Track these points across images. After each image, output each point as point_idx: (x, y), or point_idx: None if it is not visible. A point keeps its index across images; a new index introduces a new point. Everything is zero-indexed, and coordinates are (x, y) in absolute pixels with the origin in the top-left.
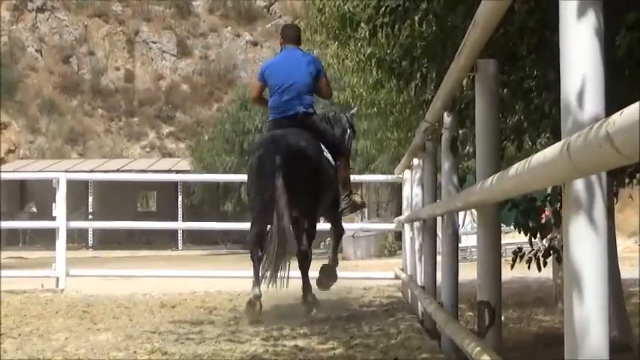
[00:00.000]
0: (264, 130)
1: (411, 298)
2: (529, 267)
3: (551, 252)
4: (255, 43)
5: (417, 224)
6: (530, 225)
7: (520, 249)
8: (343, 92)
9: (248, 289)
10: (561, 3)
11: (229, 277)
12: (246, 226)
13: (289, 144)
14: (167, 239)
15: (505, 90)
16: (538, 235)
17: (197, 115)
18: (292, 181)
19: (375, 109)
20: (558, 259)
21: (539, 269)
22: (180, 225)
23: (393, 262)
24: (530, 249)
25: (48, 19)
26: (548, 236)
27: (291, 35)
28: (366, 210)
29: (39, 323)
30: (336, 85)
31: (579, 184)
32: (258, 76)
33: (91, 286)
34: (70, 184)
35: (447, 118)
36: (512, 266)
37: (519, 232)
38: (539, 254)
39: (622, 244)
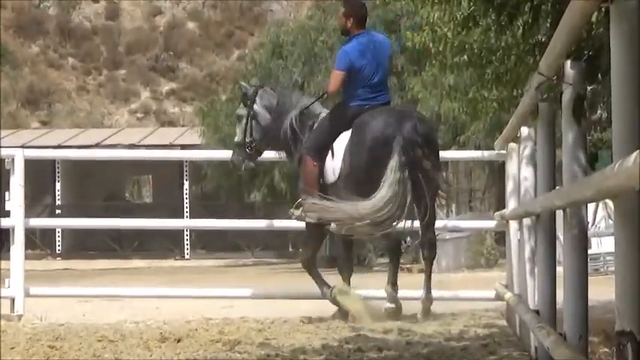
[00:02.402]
0: (332, 115)
1: (519, 326)
2: None
3: None
4: None
5: (527, 221)
6: None
7: None
8: (420, 33)
9: (286, 315)
10: None
11: (258, 297)
12: (281, 224)
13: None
14: (168, 244)
15: None
16: None
17: (209, 67)
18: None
19: (465, 56)
20: None
21: None
22: (186, 223)
23: (493, 275)
24: None
25: None
26: None
27: (364, 17)
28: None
29: None
30: (410, 21)
31: None
32: (344, 65)
33: (60, 311)
34: (30, 164)
35: (569, 70)
36: None
37: None
38: None
39: None
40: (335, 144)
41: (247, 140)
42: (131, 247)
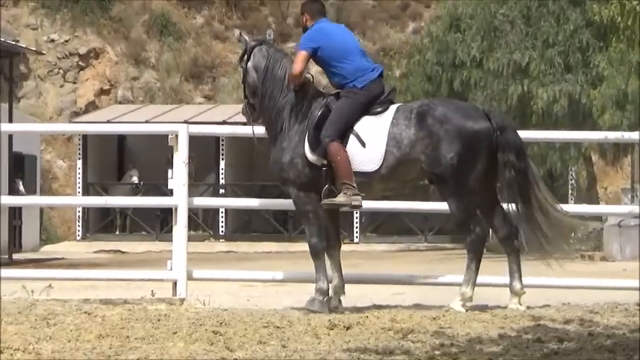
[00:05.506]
0: (349, 98)
1: None
2: None
3: None
4: None
5: None
6: None
7: None
8: (607, 6)
9: (431, 300)
10: None
11: (430, 284)
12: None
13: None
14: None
15: None
16: None
17: (383, 40)
18: None
19: None
20: None
21: None
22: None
23: None
24: None
25: None
26: None
27: (318, 10)
28: None
29: (149, 348)
30: None
31: None
32: (310, 45)
33: (224, 296)
34: (194, 141)
35: None
36: None
37: None
38: None
39: None
40: (359, 130)
41: (244, 98)
42: (298, 230)
